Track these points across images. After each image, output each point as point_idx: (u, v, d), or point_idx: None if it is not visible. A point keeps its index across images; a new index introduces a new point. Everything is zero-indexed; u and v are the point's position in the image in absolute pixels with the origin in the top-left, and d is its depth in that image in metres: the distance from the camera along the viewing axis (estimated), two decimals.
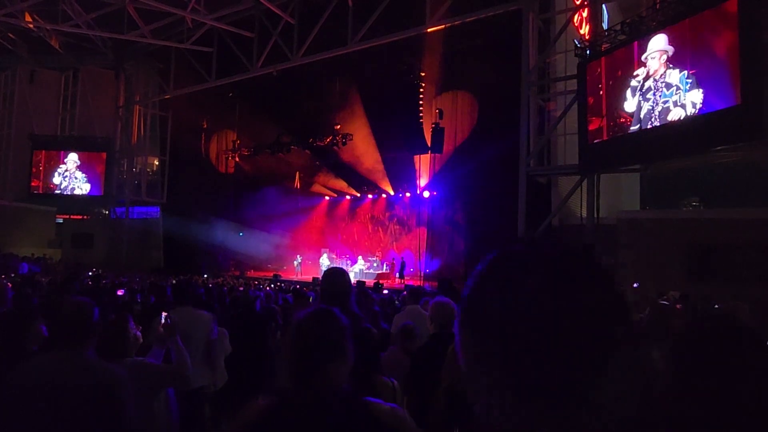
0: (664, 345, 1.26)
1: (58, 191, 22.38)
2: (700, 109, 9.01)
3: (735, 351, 1.10)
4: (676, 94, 9.44)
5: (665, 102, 9.63)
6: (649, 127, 9.99)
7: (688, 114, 9.18)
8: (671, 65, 9.61)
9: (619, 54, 10.71)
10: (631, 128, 10.34)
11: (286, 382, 1.48)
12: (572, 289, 0.60)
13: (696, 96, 9.05)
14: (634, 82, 10.27)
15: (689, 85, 9.20)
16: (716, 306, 6.70)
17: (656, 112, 9.83)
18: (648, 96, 10.00)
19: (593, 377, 0.56)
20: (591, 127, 11.26)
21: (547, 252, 0.65)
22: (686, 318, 4.83)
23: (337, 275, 2.89)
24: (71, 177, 22.40)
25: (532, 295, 0.59)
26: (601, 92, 11.06)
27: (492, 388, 0.60)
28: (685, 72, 9.31)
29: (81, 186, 22.53)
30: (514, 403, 0.58)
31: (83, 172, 22.50)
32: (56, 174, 22.33)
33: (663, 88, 9.70)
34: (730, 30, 8.48)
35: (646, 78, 10.02)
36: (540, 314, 0.58)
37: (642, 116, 10.12)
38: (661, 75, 9.76)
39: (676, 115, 9.44)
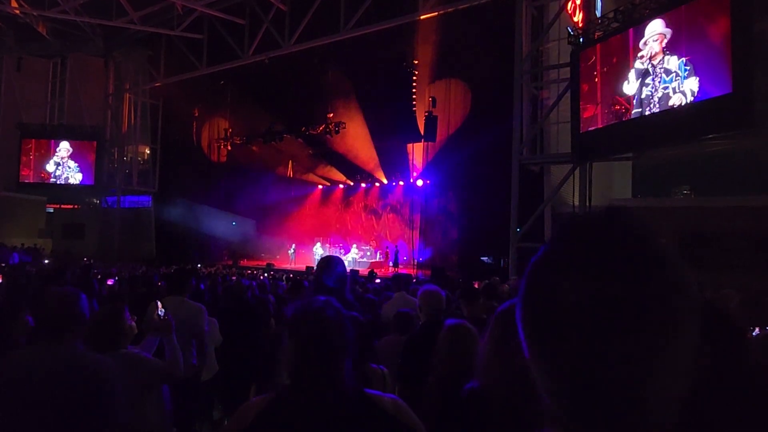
0: None
1: (53, 179, 22.14)
2: (696, 96, 8.98)
3: (713, 339, 1.10)
4: (675, 80, 9.37)
5: (665, 88, 9.55)
6: (647, 113, 9.91)
7: (687, 101, 9.13)
8: (668, 51, 9.53)
9: (614, 40, 10.66)
10: (633, 111, 10.24)
11: (285, 380, 1.41)
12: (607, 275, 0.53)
13: (693, 84, 9.01)
14: (638, 64, 10.07)
15: (687, 72, 9.14)
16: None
17: (656, 98, 9.74)
18: (647, 81, 9.91)
19: (640, 371, 0.52)
20: (585, 115, 11.25)
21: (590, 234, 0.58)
22: None
23: (333, 263, 2.88)
24: (64, 166, 22.18)
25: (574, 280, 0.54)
26: (596, 79, 11.02)
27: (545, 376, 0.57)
28: (684, 59, 9.26)
29: (74, 175, 22.32)
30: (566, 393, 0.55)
31: (75, 161, 22.28)
32: (51, 162, 22.09)
33: (662, 74, 9.62)
34: (725, 16, 8.46)
35: (647, 61, 9.91)
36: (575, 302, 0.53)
37: (642, 100, 10.02)
38: (660, 60, 9.68)
39: (676, 101, 9.36)
